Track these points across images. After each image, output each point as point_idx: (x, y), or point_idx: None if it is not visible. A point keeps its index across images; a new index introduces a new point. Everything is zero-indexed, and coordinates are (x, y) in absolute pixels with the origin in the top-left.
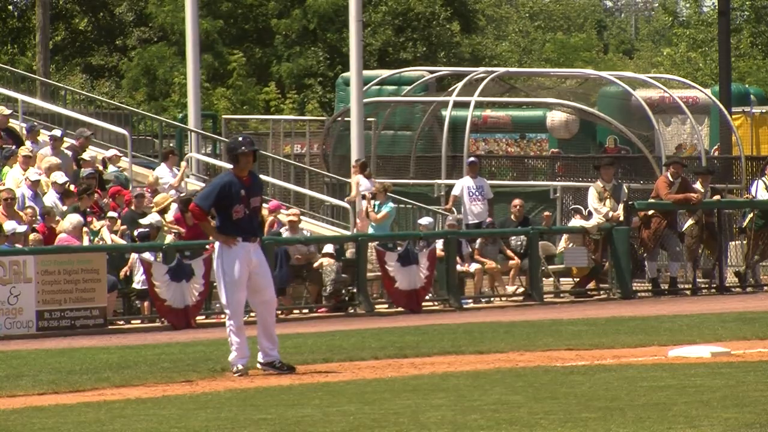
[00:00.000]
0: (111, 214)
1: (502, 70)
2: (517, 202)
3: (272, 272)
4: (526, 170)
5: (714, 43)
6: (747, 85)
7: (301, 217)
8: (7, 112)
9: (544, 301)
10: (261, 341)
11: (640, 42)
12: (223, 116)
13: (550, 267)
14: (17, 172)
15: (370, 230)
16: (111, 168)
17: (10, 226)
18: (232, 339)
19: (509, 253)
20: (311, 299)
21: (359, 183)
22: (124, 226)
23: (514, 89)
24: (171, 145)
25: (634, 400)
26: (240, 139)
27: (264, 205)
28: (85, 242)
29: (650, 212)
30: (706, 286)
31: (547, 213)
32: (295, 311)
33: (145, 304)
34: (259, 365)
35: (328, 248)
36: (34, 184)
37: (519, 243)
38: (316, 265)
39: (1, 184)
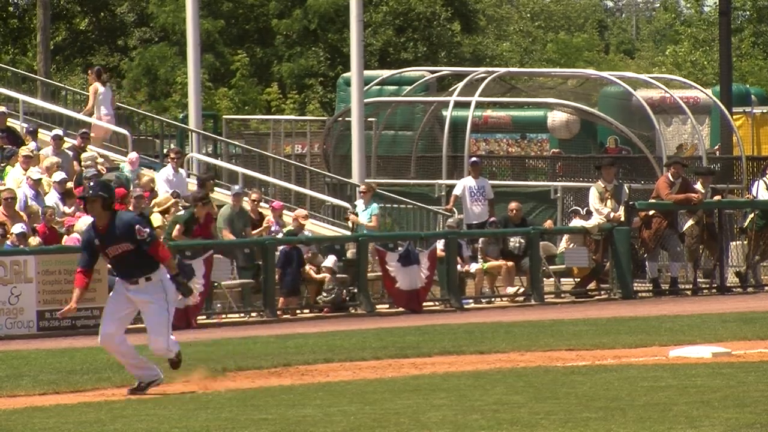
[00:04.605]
0: None
1: (502, 70)
2: (513, 205)
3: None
4: (527, 170)
5: (716, 42)
6: (748, 85)
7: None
8: (2, 109)
9: (545, 302)
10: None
11: (641, 42)
12: (224, 116)
13: (550, 267)
14: (18, 172)
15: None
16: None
17: (18, 228)
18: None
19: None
20: (311, 299)
21: (97, 90)
22: None
23: (515, 89)
24: (172, 146)
25: (634, 400)
26: (88, 184)
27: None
28: None
29: (651, 212)
30: (707, 286)
31: (549, 222)
32: (296, 311)
33: None
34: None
35: (329, 262)
36: (36, 183)
37: (517, 245)
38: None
39: (1, 184)
